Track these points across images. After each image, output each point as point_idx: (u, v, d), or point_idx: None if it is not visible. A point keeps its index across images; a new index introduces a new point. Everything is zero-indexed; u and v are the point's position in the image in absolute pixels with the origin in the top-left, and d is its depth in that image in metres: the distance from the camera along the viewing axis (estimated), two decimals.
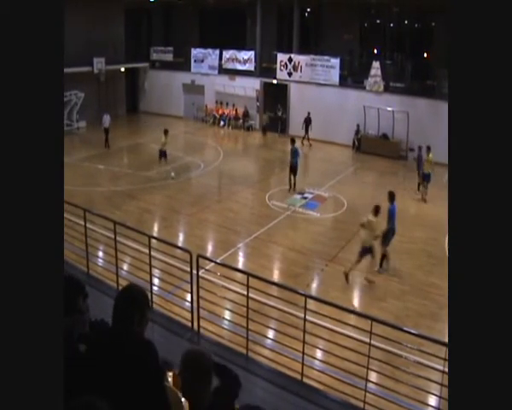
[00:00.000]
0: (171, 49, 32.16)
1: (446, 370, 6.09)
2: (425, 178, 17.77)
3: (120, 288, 3.19)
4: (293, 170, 18.37)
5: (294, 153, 18.50)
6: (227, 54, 29.86)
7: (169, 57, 32.32)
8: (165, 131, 19.60)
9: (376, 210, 11.54)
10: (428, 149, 18.88)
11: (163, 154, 19.89)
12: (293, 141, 18.88)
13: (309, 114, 25.80)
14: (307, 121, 25.86)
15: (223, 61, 30.07)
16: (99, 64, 27.60)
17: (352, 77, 27.10)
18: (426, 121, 23.41)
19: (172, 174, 19.11)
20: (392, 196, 12.28)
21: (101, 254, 11.67)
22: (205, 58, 30.60)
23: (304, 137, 25.76)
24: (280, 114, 28.32)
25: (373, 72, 25.25)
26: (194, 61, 30.90)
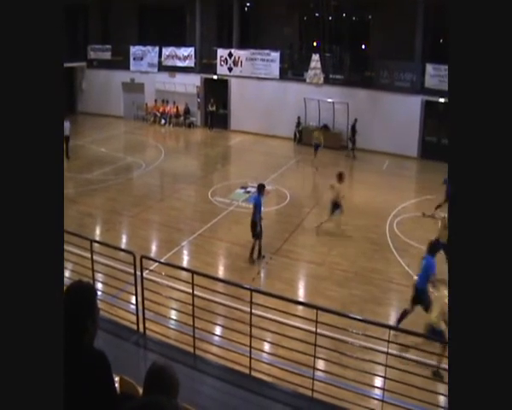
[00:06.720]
0: (109, 47, 31.24)
1: (390, 351, 6.28)
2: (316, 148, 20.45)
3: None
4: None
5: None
6: (166, 51, 29.40)
7: (107, 55, 31.39)
8: None
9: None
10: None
11: None
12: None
13: (355, 120, 23.36)
14: (353, 129, 23.52)
15: (162, 59, 29.58)
16: None
17: (293, 70, 27.39)
18: (365, 111, 23.97)
19: None
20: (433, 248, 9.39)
21: None
22: (144, 56, 30.01)
23: (352, 148, 23.55)
24: (211, 108, 28.12)
25: (313, 64, 25.61)
26: (134, 58, 30.24)
